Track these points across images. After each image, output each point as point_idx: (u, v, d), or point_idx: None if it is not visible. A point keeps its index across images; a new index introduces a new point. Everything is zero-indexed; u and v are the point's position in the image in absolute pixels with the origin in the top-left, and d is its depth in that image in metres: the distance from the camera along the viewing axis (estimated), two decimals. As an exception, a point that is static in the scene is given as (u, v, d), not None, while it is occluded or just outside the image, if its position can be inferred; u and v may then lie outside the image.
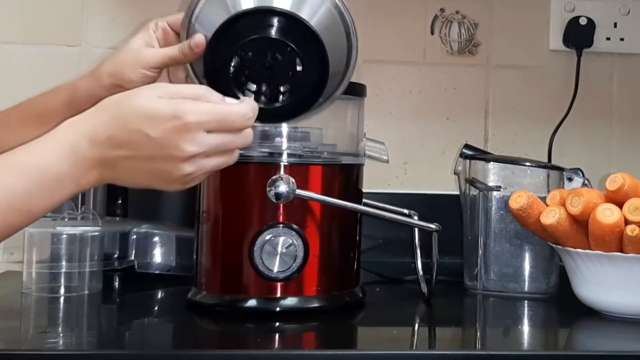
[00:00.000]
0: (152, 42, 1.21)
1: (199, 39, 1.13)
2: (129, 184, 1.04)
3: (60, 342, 1.16)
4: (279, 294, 1.28)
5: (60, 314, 1.34)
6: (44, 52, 1.81)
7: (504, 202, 1.46)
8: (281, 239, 1.27)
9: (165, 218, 1.60)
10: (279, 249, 1.26)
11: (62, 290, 1.40)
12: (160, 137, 0.98)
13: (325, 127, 1.37)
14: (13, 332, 1.23)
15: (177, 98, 1.00)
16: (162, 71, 1.19)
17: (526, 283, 1.47)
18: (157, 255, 1.51)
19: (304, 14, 1.11)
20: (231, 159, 1.05)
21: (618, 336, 1.26)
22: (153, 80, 1.17)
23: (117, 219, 1.62)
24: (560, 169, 1.52)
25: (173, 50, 1.16)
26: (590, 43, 1.89)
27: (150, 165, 1.00)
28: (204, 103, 1.00)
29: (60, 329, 1.25)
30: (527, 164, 1.50)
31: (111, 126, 0.98)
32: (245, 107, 1.03)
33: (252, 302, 1.28)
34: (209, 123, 0.99)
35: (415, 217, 1.47)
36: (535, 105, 1.92)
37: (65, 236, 1.39)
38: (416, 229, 1.40)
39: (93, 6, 1.83)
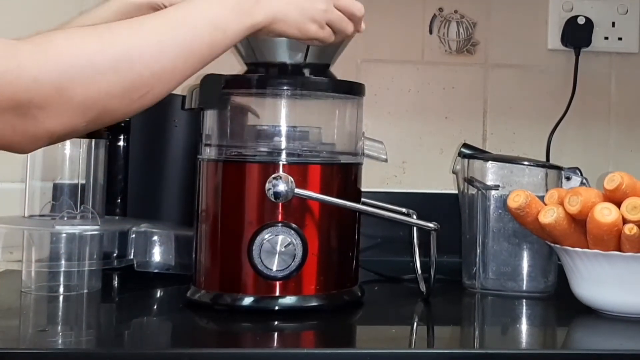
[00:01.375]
0: None
1: None
2: (284, 22, 1.16)
3: (60, 341, 1.16)
4: (277, 293, 1.28)
5: (60, 313, 1.34)
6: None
7: (502, 201, 1.46)
8: (280, 238, 1.27)
9: (164, 217, 1.60)
10: (277, 248, 1.27)
11: (61, 289, 1.40)
12: None
13: (324, 127, 1.37)
14: (12, 330, 1.23)
15: None
16: None
17: (524, 282, 1.47)
18: (156, 254, 1.50)
19: None
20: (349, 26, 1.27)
21: (616, 335, 1.26)
22: None
23: (116, 218, 1.62)
24: (558, 168, 1.52)
25: None
26: (588, 42, 1.89)
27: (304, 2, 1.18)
28: None
29: (59, 327, 1.25)
30: (526, 163, 1.50)
31: None
32: None
33: (250, 301, 1.28)
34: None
35: (414, 216, 1.47)
36: (534, 104, 1.92)
37: (64, 235, 1.39)
38: (415, 228, 1.40)
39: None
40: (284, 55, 1.34)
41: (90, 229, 1.41)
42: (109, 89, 0.98)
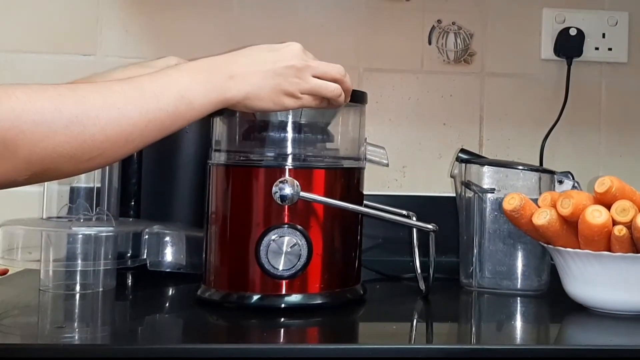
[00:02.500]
0: None
1: None
2: (258, 98, 1.15)
3: (76, 337, 1.16)
4: (283, 291, 1.28)
5: (76, 310, 1.34)
6: (60, 61, 1.81)
7: (498, 204, 1.46)
8: (286, 239, 1.27)
9: (175, 219, 1.60)
10: (283, 248, 1.27)
11: (77, 288, 1.40)
12: (282, 48, 1.19)
13: (328, 133, 1.37)
14: (31, 327, 1.23)
15: None
16: None
17: (519, 281, 1.47)
18: (168, 254, 1.50)
19: None
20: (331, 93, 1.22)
21: (606, 331, 1.26)
22: None
23: (130, 219, 1.62)
24: (551, 172, 1.52)
25: None
26: (579, 52, 1.89)
27: (276, 76, 1.15)
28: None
29: (75, 324, 1.25)
30: (520, 167, 1.50)
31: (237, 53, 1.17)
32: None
33: (258, 299, 1.28)
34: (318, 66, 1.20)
35: (414, 218, 1.47)
36: (528, 111, 1.92)
37: (80, 236, 1.39)
38: (414, 229, 1.40)
39: (107, 17, 1.83)
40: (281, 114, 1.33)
41: (105, 230, 1.41)
42: (58, 148, 0.94)
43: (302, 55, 1.19)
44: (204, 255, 1.35)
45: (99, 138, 0.97)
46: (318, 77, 1.20)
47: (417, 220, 1.44)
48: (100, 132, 0.96)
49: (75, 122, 0.95)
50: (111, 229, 1.42)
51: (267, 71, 1.15)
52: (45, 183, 1.46)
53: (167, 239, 1.50)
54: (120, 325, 1.27)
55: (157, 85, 1.04)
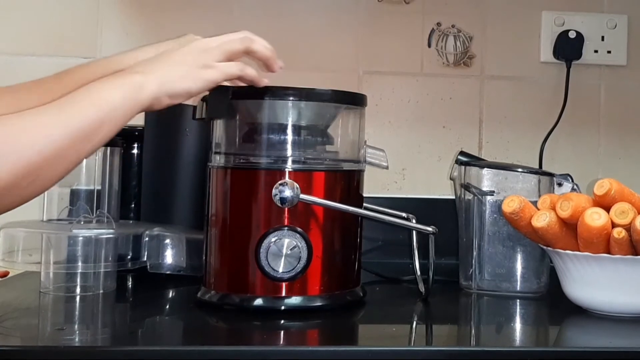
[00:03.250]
0: None
1: None
2: (172, 84, 1.15)
3: (76, 339, 1.16)
4: (283, 293, 1.28)
5: (76, 312, 1.34)
6: (60, 63, 1.80)
7: (497, 206, 1.46)
8: (286, 241, 1.27)
9: (176, 221, 1.60)
10: (283, 251, 1.27)
11: (78, 290, 1.41)
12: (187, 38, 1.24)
13: (328, 135, 1.37)
14: (32, 329, 1.23)
15: None
16: None
17: (518, 283, 1.47)
18: (168, 257, 1.51)
19: None
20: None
21: (605, 333, 1.26)
22: None
23: (131, 222, 1.62)
24: (550, 175, 1.52)
25: None
26: (579, 55, 1.89)
27: (182, 55, 1.17)
28: None
29: (76, 326, 1.25)
30: (519, 170, 1.50)
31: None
32: None
33: (258, 301, 1.28)
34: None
35: (413, 220, 1.47)
36: (527, 114, 1.92)
37: (81, 238, 1.40)
38: (414, 232, 1.41)
39: (107, 20, 1.83)
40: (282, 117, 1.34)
41: (105, 233, 1.41)
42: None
43: (204, 39, 1.23)
44: (204, 258, 1.35)
45: (36, 160, 0.97)
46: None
47: (417, 222, 1.45)
48: (37, 155, 0.97)
49: (9, 152, 0.95)
50: (111, 231, 1.43)
51: (173, 57, 1.17)
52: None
53: (167, 241, 1.51)
54: (120, 327, 1.27)
55: (79, 99, 1.04)
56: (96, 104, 1.05)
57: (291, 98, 1.32)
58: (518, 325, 1.33)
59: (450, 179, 1.59)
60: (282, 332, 1.23)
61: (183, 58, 1.17)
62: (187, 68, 1.16)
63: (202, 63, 1.18)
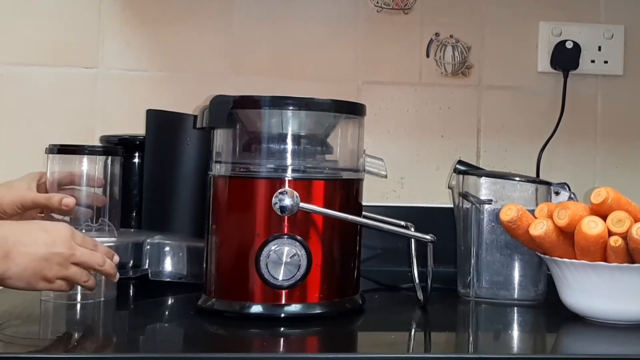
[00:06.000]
0: (32, 187, 1.45)
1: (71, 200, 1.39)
2: (17, 279, 1.19)
3: (78, 347, 1.16)
4: (283, 301, 1.28)
5: (77, 320, 1.34)
6: (62, 74, 1.82)
7: (495, 215, 1.46)
8: (286, 249, 1.27)
9: (176, 229, 1.60)
10: (283, 259, 1.27)
11: (79, 298, 1.40)
12: (52, 229, 1.22)
13: (327, 144, 1.37)
14: (32, 337, 1.23)
15: None
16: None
17: (516, 290, 1.47)
18: (169, 264, 1.51)
19: None
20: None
21: (602, 340, 1.26)
22: (19, 215, 1.41)
23: (132, 230, 1.63)
24: (547, 184, 1.52)
25: (45, 198, 1.41)
26: (576, 65, 1.90)
27: (42, 261, 1.19)
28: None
29: (77, 334, 1.25)
30: (517, 178, 1.51)
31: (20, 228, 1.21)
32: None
33: (258, 309, 1.28)
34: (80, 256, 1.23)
35: (412, 229, 1.47)
36: (525, 123, 1.92)
37: (82, 246, 1.39)
38: (412, 240, 1.41)
39: (109, 30, 1.84)
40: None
41: (107, 241, 1.41)
42: None
43: (69, 241, 1.22)
44: (204, 265, 1.36)
45: None
46: (79, 264, 1.24)
47: (415, 230, 1.45)
48: None
49: None
50: (113, 239, 1.43)
51: (37, 254, 1.19)
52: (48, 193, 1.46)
53: (168, 249, 1.51)
54: (121, 335, 1.27)
55: None
56: None
57: (291, 107, 1.33)
58: (516, 332, 1.33)
59: (449, 187, 1.59)
60: (281, 340, 1.23)
61: (42, 259, 1.19)
62: (36, 273, 1.19)
63: (48, 276, 1.20)
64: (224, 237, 1.32)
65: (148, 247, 1.50)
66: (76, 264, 1.23)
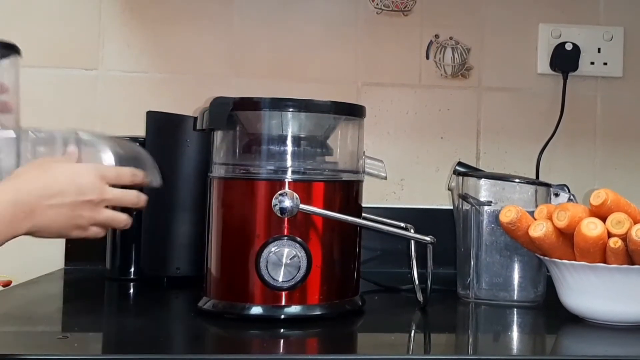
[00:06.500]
0: None
1: None
2: (47, 232, 1.13)
3: (78, 348, 1.16)
4: (283, 302, 1.29)
5: (77, 321, 1.34)
6: (63, 75, 1.82)
7: (495, 216, 1.46)
8: (286, 251, 1.27)
9: (177, 231, 1.59)
10: (283, 260, 1.27)
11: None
12: (82, 175, 1.15)
13: (327, 146, 1.38)
14: (35, 337, 1.23)
15: None
16: None
17: (515, 292, 1.48)
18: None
19: None
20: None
21: (601, 341, 1.26)
22: None
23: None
24: (547, 185, 1.52)
25: None
26: (575, 67, 1.90)
27: (71, 212, 1.13)
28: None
29: (77, 334, 1.25)
30: (517, 180, 1.51)
31: (43, 179, 1.13)
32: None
33: (258, 310, 1.29)
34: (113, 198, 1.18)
35: (412, 230, 1.47)
36: (524, 125, 1.93)
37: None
38: (412, 241, 1.41)
39: (109, 32, 1.84)
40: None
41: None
42: None
43: (99, 185, 1.17)
44: (204, 267, 1.36)
45: None
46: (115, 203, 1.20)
47: (415, 232, 1.45)
48: None
49: None
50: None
51: (65, 206, 1.13)
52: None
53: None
54: (121, 336, 1.27)
55: None
56: None
57: (291, 109, 1.33)
58: (515, 334, 1.33)
59: (448, 189, 1.59)
60: (281, 341, 1.23)
61: (71, 209, 1.14)
62: (67, 224, 1.14)
63: (81, 224, 1.16)
64: (224, 238, 1.32)
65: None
66: (112, 203, 1.19)
